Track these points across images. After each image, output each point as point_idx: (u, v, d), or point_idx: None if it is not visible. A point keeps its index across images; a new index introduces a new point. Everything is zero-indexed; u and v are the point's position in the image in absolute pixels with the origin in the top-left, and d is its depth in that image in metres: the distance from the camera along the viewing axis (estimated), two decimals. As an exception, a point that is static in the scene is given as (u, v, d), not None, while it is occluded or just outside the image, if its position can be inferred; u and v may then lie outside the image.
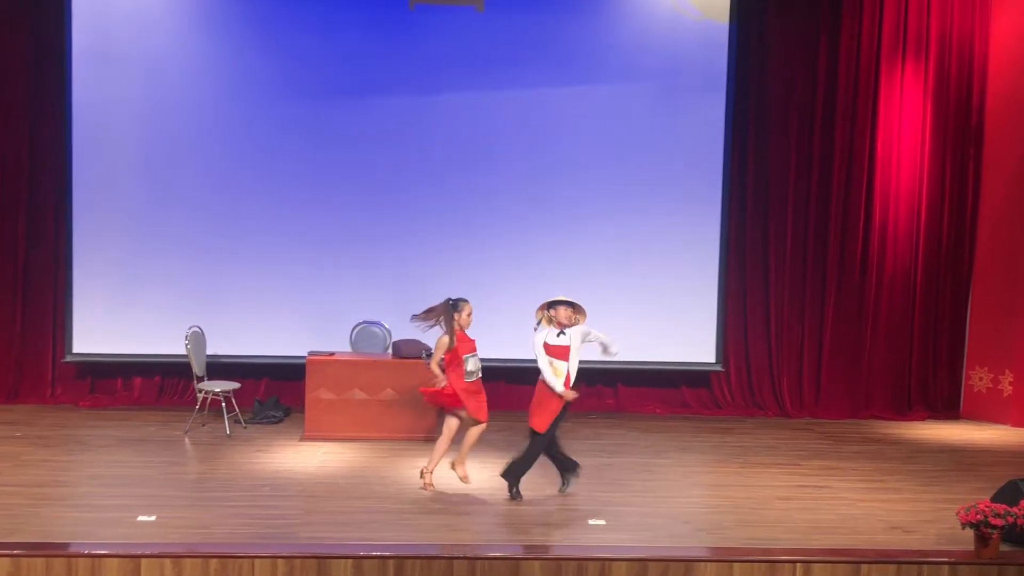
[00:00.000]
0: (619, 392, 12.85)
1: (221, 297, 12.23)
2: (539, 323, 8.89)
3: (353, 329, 12.16)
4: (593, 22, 12.36)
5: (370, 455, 10.38)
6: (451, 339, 8.97)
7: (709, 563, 7.52)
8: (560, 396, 8.76)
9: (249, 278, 12.28)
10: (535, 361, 8.86)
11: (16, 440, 10.63)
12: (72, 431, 11.12)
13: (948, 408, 13.04)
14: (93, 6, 11.95)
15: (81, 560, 7.23)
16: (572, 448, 10.51)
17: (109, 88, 12.04)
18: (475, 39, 12.28)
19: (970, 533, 7.73)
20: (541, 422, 8.82)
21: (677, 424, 12.22)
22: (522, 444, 9.11)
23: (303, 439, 10.94)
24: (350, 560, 7.35)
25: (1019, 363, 12.51)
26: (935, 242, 12.92)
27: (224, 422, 11.15)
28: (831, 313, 12.84)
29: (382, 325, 12.17)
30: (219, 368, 11.94)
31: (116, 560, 7.24)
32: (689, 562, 7.50)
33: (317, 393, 11.08)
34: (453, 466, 9.22)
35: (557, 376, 8.76)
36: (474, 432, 9.12)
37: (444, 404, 9.14)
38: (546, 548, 7.77)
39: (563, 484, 9.12)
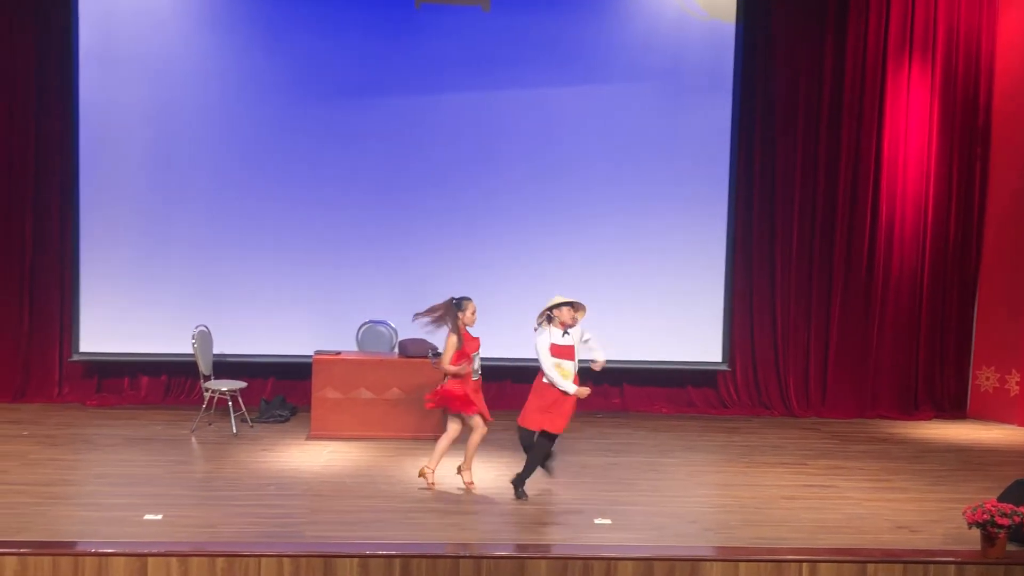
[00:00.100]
0: (625, 391, 12.85)
1: (228, 297, 12.24)
2: (539, 325, 8.84)
3: (359, 328, 12.18)
4: (599, 22, 12.36)
5: (376, 454, 10.39)
6: (459, 338, 8.97)
7: (715, 563, 7.52)
8: (575, 395, 8.74)
9: (255, 277, 12.29)
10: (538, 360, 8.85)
11: (23, 439, 10.65)
12: (79, 430, 11.14)
13: (955, 408, 13.02)
14: (100, 6, 11.96)
15: (88, 559, 7.25)
16: (578, 448, 10.55)
17: (116, 88, 12.05)
18: (481, 39, 12.28)
19: (976, 533, 7.72)
20: (559, 423, 8.77)
21: (683, 423, 12.22)
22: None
23: (309, 438, 10.96)
24: (356, 559, 7.36)
25: (1026, 363, 12.52)
26: (942, 241, 12.91)
27: (230, 421, 11.16)
28: (837, 313, 12.83)
29: (388, 324, 12.18)
30: (225, 367, 11.96)
31: (123, 559, 7.25)
32: (695, 561, 7.50)
33: (323, 392, 11.09)
34: (459, 471, 9.22)
35: (565, 377, 8.74)
36: (477, 436, 9.12)
37: (454, 408, 9.08)
38: (552, 547, 7.76)
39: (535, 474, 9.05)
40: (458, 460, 9.28)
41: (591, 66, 12.37)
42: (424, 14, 12.22)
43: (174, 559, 7.27)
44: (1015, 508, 7.61)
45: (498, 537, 8.07)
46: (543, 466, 9.03)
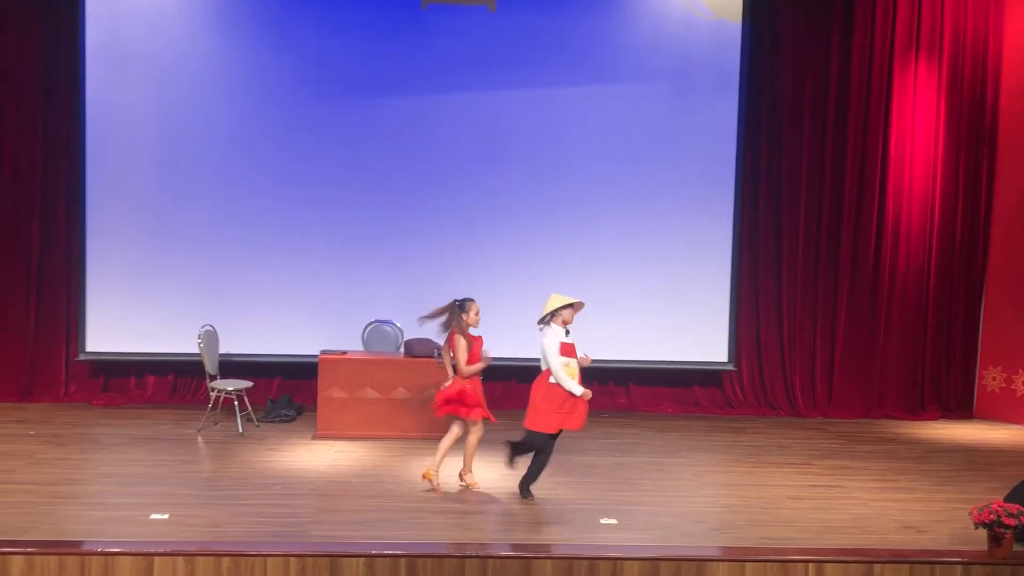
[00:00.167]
0: (631, 391, 12.84)
1: (234, 296, 12.25)
2: (547, 325, 8.82)
3: (365, 328, 12.18)
4: (605, 22, 12.36)
5: (382, 454, 10.39)
6: (468, 340, 8.98)
7: (721, 563, 7.52)
8: (581, 396, 8.72)
9: (261, 277, 12.30)
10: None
11: (30, 438, 10.67)
12: (85, 429, 11.16)
13: (961, 408, 13.00)
14: (106, 6, 11.98)
15: (94, 558, 7.26)
16: (584, 448, 10.54)
17: (122, 88, 12.07)
18: (487, 39, 12.28)
19: (983, 533, 7.71)
20: (578, 421, 8.77)
21: (689, 423, 12.21)
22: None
23: (315, 438, 10.96)
24: (362, 559, 7.36)
25: (1033, 363, 12.51)
26: (948, 241, 12.89)
27: (236, 421, 11.17)
28: (844, 312, 12.81)
29: (394, 324, 12.19)
30: (232, 367, 11.97)
31: (129, 558, 7.27)
32: (701, 561, 7.49)
33: (329, 392, 11.10)
34: (461, 476, 9.22)
35: (572, 376, 8.73)
36: (475, 438, 9.13)
37: (466, 414, 9.08)
38: (557, 547, 7.76)
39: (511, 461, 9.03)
40: (459, 462, 9.29)
41: (597, 66, 12.37)
42: (430, 14, 12.23)
43: (180, 559, 7.28)
44: (1022, 508, 7.59)
45: (504, 537, 8.07)
46: (510, 456, 8.98)
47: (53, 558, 7.24)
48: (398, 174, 12.35)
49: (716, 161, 12.50)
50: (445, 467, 9.23)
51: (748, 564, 7.51)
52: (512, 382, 12.02)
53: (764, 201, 12.77)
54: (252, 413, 11.44)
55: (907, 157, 12.73)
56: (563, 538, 8.03)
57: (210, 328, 11.44)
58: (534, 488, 8.93)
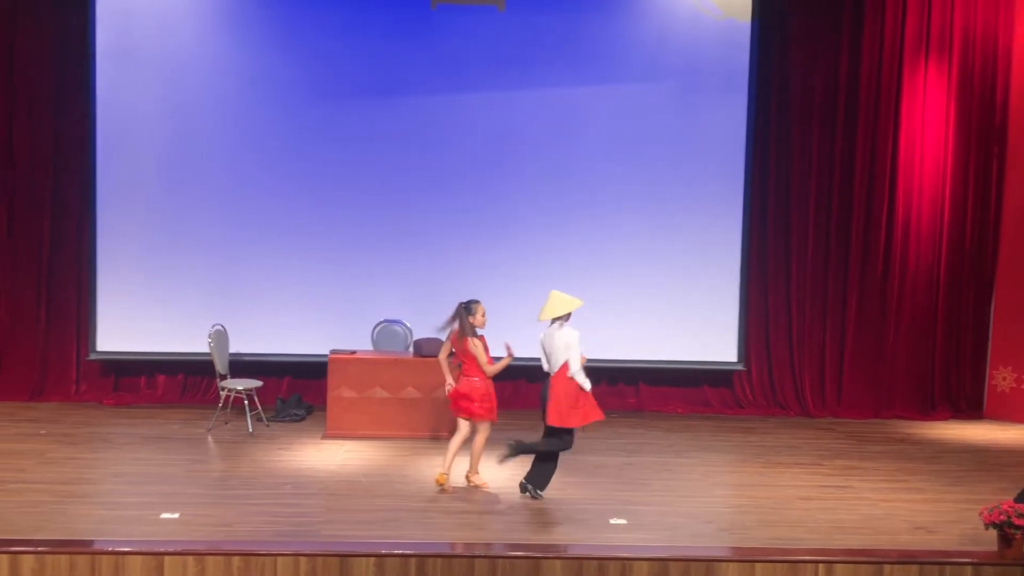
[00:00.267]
0: (640, 391, 12.84)
1: (244, 296, 12.27)
2: (564, 323, 8.87)
3: (374, 328, 12.19)
4: (615, 22, 12.34)
5: (391, 453, 10.41)
6: (481, 340, 9.02)
7: (730, 563, 7.52)
8: (588, 391, 8.84)
9: (271, 277, 12.32)
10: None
11: (41, 437, 10.70)
12: (96, 429, 11.19)
13: (972, 408, 12.96)
14: (117, 5, 12.00)
15: (105, 557, 7.28)
16: (593, 448, 10.54)
17: (132, 88, 12.09)
18: (496, 39, 12.27)
19: (993, 534, 7.70)
20: (598, 411, 8.91)
21: (698, 423, 12.20)
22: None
23: (325, 437, 10.98)
24: (372, 558, 7.38)
25: (1043, 363, 12.48)
26: (958, 241, 12.86)
27: (247, 420, 11.19)
28: (853, 312, 12.79)
29: (403, 324, 12.20)
30: (242, 366, 11.99)
31: (139, 558, 7.29)
32: (710, 562, 7.49)
33: (339, 391, 11.11)
34: (468, 477, 9.24)
35: None
36: (482, 438, 9.17)
37: (485, 416, 9.13)
38: (567, 547, 7.77)
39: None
40: (467, 462, 9.32)
41: (606, 66, 12.36)
42: (439, 14, 12.23)
43: (190, 558, 7.30)
44: (1032, 509, 7.59)
45: (513, 537, 8.07)
46: (510, 455, 8.99)
47: (64, 557, 7.27)
48: (407, 174, 12.35)
49: (725, 161, 12.49)
50: (455, 467, 9.23)
51: (757, 564, 7.51)
52: (521, 382, 12.01)
53: (773, 201, 12.75)
54: (262, 413, 11.47)
55: (917, 157, 12.70)
56: (572, 538, 8.04)
57: (220, 328, 11.46)
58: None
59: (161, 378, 12.56)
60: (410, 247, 12.37)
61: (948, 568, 7.56)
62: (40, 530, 7.78)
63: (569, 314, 8.85)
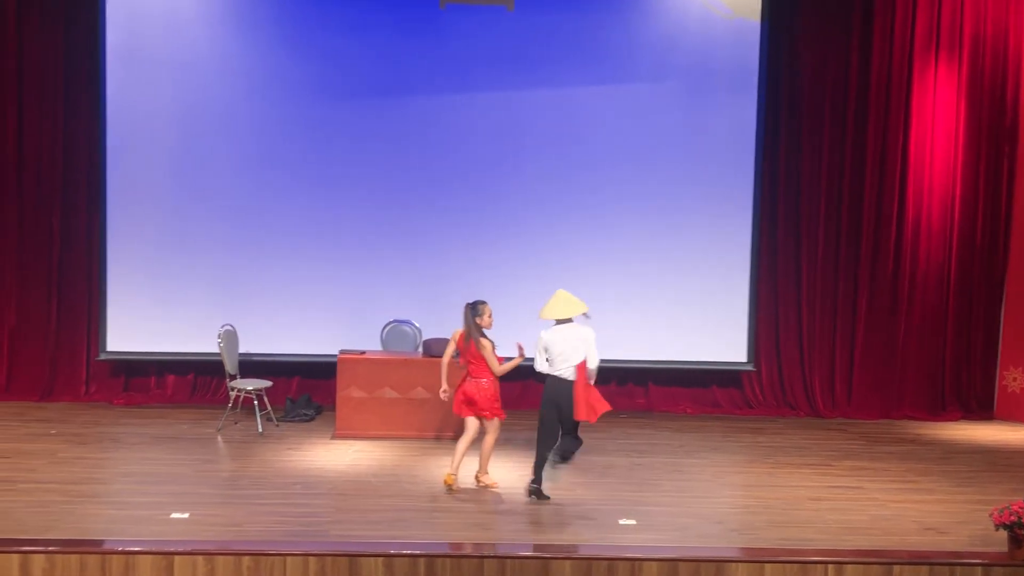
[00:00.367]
0: (650, 392, 12.82)
1: (254, 296, 12.28)
2: (574, 322, 8.89)
3: (384, 328, 12.20)
4: (624, 21, 12.33)
5: (401, 453, 10.41)
6: (490, 340, 9.02)
7: (740, 564, 7.52)
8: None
9: (281, 277, 12.33)
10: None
11: (51, 437, 10.73)
12: (106, 429, 11.22)
13: (982, 408, 12.93)
14: (126, 6, 12.02)
15: (115, 557, 7.30)
16: (603, 448, 10.54)
17: (141, 88, 12.11)
18: (505, 38, 12.27)
19: (1004, 534, 7.68)
20: (604, 402, 9.01)
21: (708, 424, 12.19)
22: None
23: (334, 437, 10.99)
24: (381, 558, 7.39)
25: (1054, 363, 12.44)
26: (969, 241, 12.82)
27: (256, 420, 11.20)
28: (864, 312, 12.76)
29: (412, 324, 12.20)
30: (251, 366, 12.00)
31: (149, 557, 7.31)
32: (720, 562, 7.49)
33: (348, 391, 11.12)
34: (477, 478, 9.24)
35: None
36: (492, 438, 9.17)
37: (495, 414, 9.14)
38: (576, 547, 7.77)
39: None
40: (476, 462, 9.31)
41: (615, 65, 12.35)
42: (448, 14, 12.23)
43: (200, 558, 7.31)
44: (1043, 510, 7.57)
45: (522, 537, 8.09)
46: (561, 461, 9.03)
47: (74, 557, 7.29)
48: (417, 173, 12.35)
49: (735, 160, 12.46)
50: (463, 468, 9.23)
51: (767, 565, 7.50)
52: (530, 382, 11.98)
53: (783, 200, 12.73)
54: (272, 413, 11.48)
55: (927, 156, 12.67)
56: (582, 538, 8.04)
57: (230, 328, 11.48)
58: (551, 488, 8.97)
59: (171, 378, 12.58)
60: (420, 247, 12.37)
61: (958, 569, 7.54)
62: (50, 530, 7.80)
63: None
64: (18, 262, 12.33)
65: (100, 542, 7.57)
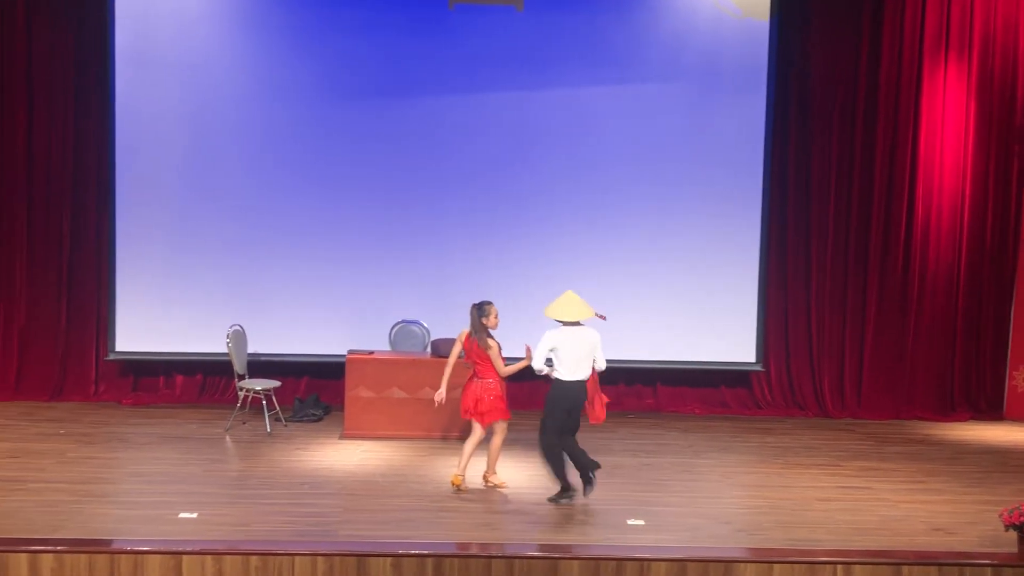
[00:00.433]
0: (658, 392, 12.81)
1: (262, 296, 12.29)
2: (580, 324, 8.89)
3: (392, 328, 12.20)
4: (633, 21, 12.32)
5: (409, 453, 10.41)
6: (496, 341, 9.02)
7: (749, 564, 7.50)
8: None
9: (290, 277, 12.34)
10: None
11: (60, 437, 10.75)
12: (115, 428, 11.23)
13: (991, 409, 12.89)
14: (136, 7, 12.04)
15: (123, 556, 7.31)
16: (611, 448, 10.53)
17: (151, 89, 12.12)
18: (515, 39, 12.26)
19: (1013, 535, 7.66)
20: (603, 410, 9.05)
21: (717, 424, 12.17)
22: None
23: (342, 437, 10.99)
24: (389, 558, 7.38)
25: (1064, 364, 12.40)
26: (978, 241, 12.79)
27: (265, 420, 11.21)
28: (873, 312, 12.73)
29: (421, 324, 12.20)
30: (260, 366, 12.02)
31: (158, 557, 7.31)
32: (729, 563, 7.47)
33: (356, 391, 11.13)
34: (485, 478, 9.24)
35: None
36: (499, 439, 9.20)
37: (499, 417, 9.14)
38: (584, 548, 7.76)
39: (586, 486, 8.95)
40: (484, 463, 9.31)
41: (625, 66, 12.34)
42: (458, 14, 12.23)
43: (208, 557, 7.32)
44: (1053, 511, 7.55)
45: (530, 537, 8.08)
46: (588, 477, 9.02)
47: (83, 556, 7.29)
48: (426, 174, 12.35)
49: (744, 160, 12.44)
50: (470, 468, 9.22)
51: (776, 565, 7.48)
52: (538, 383, 11.94)
53: (793, 200, 12.71)
54: (280, 413, 11.48)
55: (937, 156, 12.64)
56: (590, 539, 8.04)
57: (238, 328, 11.49)
58: (550, 489, 8.98)
59: (179, 378, 12.60)
60: (429, 247, 12.37)
61: (967, 570, 7.52)
62: (59, 529, 7.82)
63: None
64: (28, 262, 12.36)
65: (109, 542, 7.59)
